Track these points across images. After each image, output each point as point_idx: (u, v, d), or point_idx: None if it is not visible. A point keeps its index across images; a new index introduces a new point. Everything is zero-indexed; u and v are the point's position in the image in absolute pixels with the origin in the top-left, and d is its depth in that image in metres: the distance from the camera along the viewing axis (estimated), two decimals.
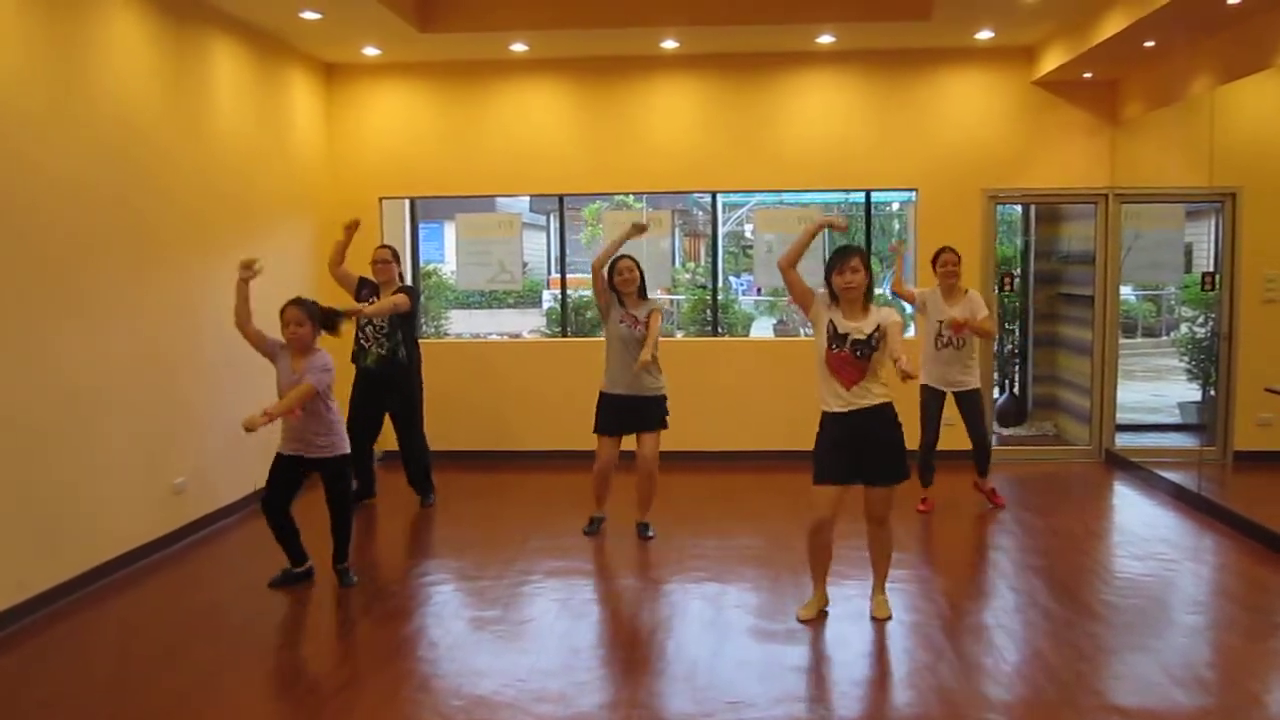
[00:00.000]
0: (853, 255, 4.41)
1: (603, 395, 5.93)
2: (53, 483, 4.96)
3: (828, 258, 4.56)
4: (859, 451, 4.46)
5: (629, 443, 5.93)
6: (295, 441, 5.10)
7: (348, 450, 5.23)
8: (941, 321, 6.31)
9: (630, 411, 5.85)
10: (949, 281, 6.35)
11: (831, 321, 4.45)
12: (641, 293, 5.90)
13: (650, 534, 6.00)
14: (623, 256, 5.91)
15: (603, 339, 5.98)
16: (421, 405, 6.82)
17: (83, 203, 5.21)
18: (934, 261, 6.43)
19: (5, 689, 4.07)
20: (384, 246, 6.79)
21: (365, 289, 6.61)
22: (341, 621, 4.92)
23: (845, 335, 4.42)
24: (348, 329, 5.75)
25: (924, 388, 6.46)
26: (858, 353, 4.41)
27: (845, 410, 4.45)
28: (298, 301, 5.07)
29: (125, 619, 4.87)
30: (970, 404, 6.44)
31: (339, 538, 5.27)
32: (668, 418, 5.94)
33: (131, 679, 4.14)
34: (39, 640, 4.54)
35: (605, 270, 5.86)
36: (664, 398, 5.91)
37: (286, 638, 4.79)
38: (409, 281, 7.23)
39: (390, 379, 6.60)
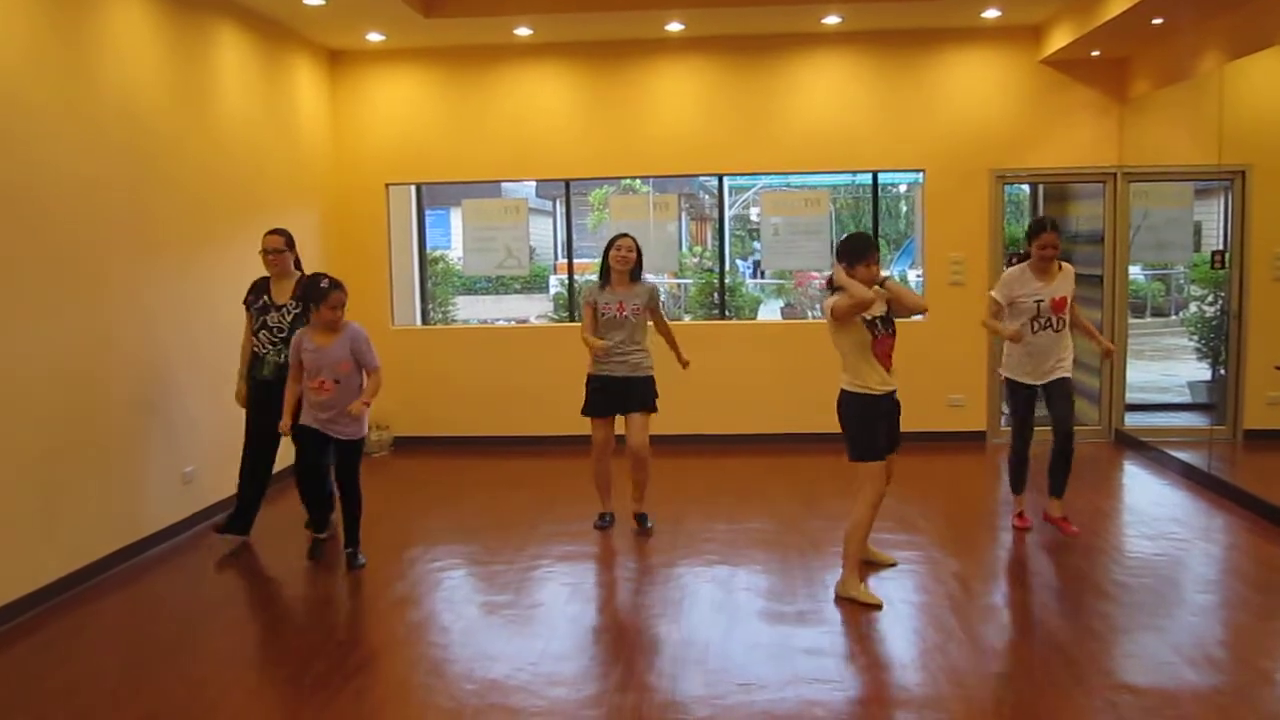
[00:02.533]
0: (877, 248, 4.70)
1: (591, 377, 5.76)
2: (62, 472, 4.99)
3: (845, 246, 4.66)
4: (889, 427, 4.71)
5: (623, 425, 5.81)
6: (322, 418, 5.12)
7: (366, 433, 5.28)
8: (1040, 302, 5.40)
9: (619, 392, 5.69)
10: (1046, 261, 5.42)
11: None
12: (634, 274, 5.75)
13: (649, 525, 5.84)
14: (624, 235, 5.80)
15: None
16: None
17: (88, 191, 5.21)
18: (1030, 238, 5.49)
19: (20, 678, 4.10)
20: (275, 232, 5.66)
21: (252, 293, 5.66)
22: (354, 607, 4.94)
23: (876, 319, 4.63)
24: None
25: (1010, 383, 5.64)
26: (889, 330, 4.67)
27: (886, 392, 4.67)
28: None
29: (137, 607, 4.90)
30: (1060, 392, 5.47)
31: (350, 516, 5.30)
32: (657, 399, 5.77)
33: (144, 667, 4.17)
34: (52, 629, 4.57)
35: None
36: (653, 378, 5.77)
37: (299, 623, 4.82)
38: (301, 270, 5.78)
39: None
